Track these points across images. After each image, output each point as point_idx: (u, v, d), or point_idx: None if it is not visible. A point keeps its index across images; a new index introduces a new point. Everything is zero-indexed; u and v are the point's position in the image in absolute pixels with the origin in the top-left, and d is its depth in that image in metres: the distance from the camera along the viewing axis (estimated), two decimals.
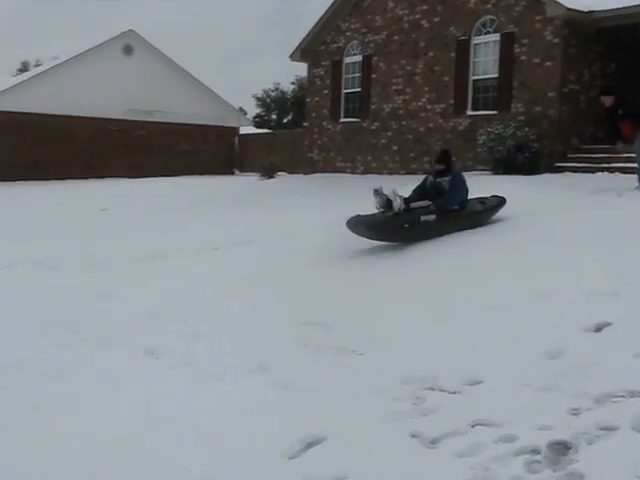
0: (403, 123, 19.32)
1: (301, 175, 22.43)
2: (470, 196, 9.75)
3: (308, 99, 23.19)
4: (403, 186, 9.86)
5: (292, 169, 24.72)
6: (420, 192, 9.51)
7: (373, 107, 20.27)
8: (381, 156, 19.99)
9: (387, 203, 8.93)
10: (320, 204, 13.25)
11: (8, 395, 5.06)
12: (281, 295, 7.57)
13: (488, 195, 10.22)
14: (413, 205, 9.08)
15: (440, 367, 4.97)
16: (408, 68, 19.16)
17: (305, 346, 5.81)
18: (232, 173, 31.79)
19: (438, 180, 9.51)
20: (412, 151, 19.05)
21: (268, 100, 79.99)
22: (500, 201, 10.12)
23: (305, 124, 23.54)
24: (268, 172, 23.42)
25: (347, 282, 7.70)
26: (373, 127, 20.27)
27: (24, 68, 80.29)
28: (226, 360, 5.59)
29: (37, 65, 71.06)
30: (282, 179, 22.51)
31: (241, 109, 47.78)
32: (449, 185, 9.42)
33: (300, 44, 22.34)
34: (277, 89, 79.23)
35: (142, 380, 5.30)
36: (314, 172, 21.94)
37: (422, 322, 6.05)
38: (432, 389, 4.70)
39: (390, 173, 19.11)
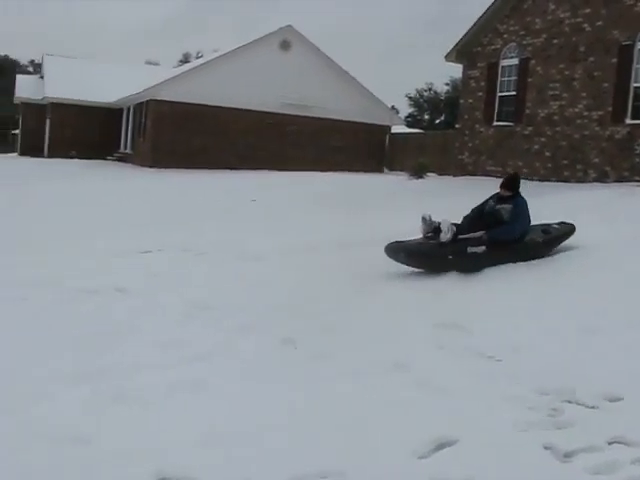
0: (557, 129, 18.84)
1: (450, 177, 22.26)
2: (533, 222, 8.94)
3: (461, 100, 22.97)
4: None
5: (441, 170, 24.57)
6: (477, 215, 8.89)
7: (527, 111, 19.85)
8: (533, 162, 19.58)
9: (435, 230, 8.41)
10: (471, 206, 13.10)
11: (154, 376, 5.26)
12: (421, 294, 7.56)
13: (555, 222, 9.40)
14: (462, 236, 8.41)
15: (579, 380, 4.86)
16: (566, 73, 18.66)
17: (441, 348, 5.80)
18: (381, 171, 31.90)
19: (498, 207, 8.78)
20: (565, 158, 18.56)
21: (421, 100, 79.76)
22: (568, 230, 9.26)
23: (457, 126, 23.32)
24: (417, 172, 23.37)
25: (489, 287, 7.62)
26: (526, 132, 19.87)
27: (185, 60, 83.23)
28: (362, 356, 5.64)
29: (198, 57, 73.59)
30: (431, 180, 22.42)
31: (393, 108, 47.89)
32: (509, 215, 8.65)
33: (456, 45, 22.16)
34: (430, 89, 78.90)
35: (280, 368, 5.42)
36: (463, 175, 21.72)
37: (564, 334, 5.93)
38: (569, 402, 4.61)
39: (541, 179, 18.69)
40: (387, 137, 34.43)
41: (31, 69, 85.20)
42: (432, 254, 8.38)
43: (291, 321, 6.72)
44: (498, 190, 8.96)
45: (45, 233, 12.47)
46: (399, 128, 37.64)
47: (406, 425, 4.33)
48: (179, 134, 30.36)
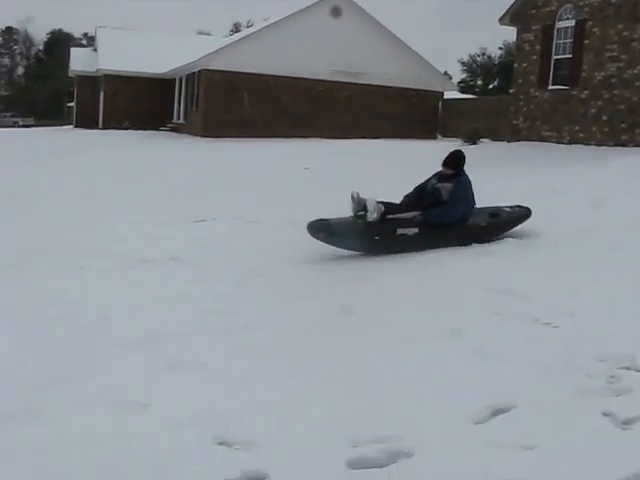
0: (615, 92, 18.39)
1: (504, 143, 21.98)
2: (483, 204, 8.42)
3: (516, 65, 22.57)
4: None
5: (495, 136, 24.24)
6: (418, 194, 8.26)
7: (584, 75, 19.40)
8: (589, 126, 19.18)
9: (363, 209, 7.83)
10: (529, 172, 12.92)
11: (211, 342, 5.32)
12: (476, 260, 7.50)
13: (508, 205, 8.75)
14: (392, 216, 7.83)
15: (638, 348, 4.78)
16: (625, 34, 18.15)
17: (497, 314, 5.75)
18: (434, 137, 31.61)
19: (438, 186, 8.12)
20: (623, 122, 18.12)
21: (474, 65, 78.80)
22: (521, 214, 8.59)
23: (511, 90, 22.96)
24: (471, 138, 23.13)
25: (543, 258, 7.54)
26: (583, 95, 19.45)
27: (236, 29, 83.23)
28: (418, 322, 5.63)
29: (248, 26, 73.56)
30: (485, 145, 22.17)
31: (446, 73, 47.37)
32: (449, 195, 8.01)
33: (510, 7, 21.75)
34: (484, 54, 77.90)
35: (335, 335, 5.43)
36: (518, 140, 21.41)
37: (622, 303, 5.83)
38: (628, 369, 4.53)
39: (597, 144, 18.32)
40: (440, 103, 34.05)
41: (84, 42, 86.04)
42: (355, 234, 7.79)
43: (346, 288, 6.73)
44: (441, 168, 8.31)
45: (101, 202, 12.65)
46: (452, 94, 37.20)
47: (462, 391, 4.31)
48: (231, 103, 30.44)
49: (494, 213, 8.43)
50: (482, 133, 23.78)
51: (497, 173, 13.05)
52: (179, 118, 37.61)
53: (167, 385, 4.55)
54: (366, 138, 27.59)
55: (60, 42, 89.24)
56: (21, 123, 66.70)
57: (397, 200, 8.28)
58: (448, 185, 8.04)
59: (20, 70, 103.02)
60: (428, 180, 8.33)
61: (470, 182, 8.20)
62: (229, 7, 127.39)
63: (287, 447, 3.70)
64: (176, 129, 36.59)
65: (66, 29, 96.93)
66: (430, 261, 7.55)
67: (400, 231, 7.81)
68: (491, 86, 75.11)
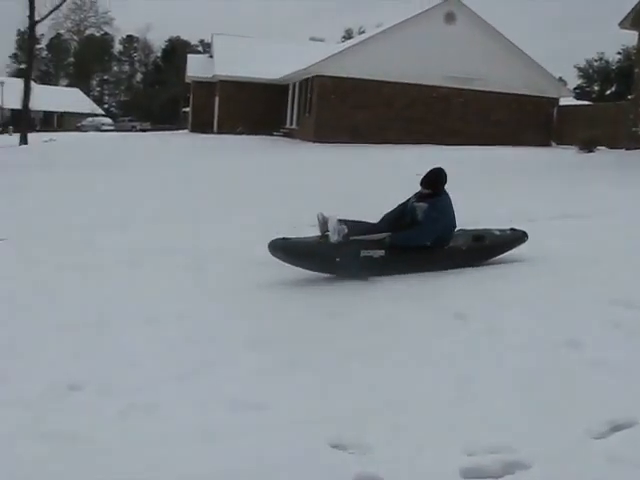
0: None
1: (622, 151, 21.37)
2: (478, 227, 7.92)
3: (636, 69, 21.94)
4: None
5: (613, 144, 23.60)
6: (400, 212, 7.68)
7: None
8: None
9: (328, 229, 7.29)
10: None
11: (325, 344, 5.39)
12: (596, 271, 7.33)
13: (499, 228, 8.11)
14: (357, 237, 7.23)
15: None
16: None
17: (617, 326, 5.59)
18: (549, 145, 31.00)
19: (414, 204, 7.53)
20: None
21: (590, 71, 76.82)
22: (512, 238, 7.92)
23: (630, 96, 22.35)
24: (587, 146, 22.58)
25: None
26: None
27: (348, 35, 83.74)
28: (534, 331, 5.54)
29: (360, 32, 73.85)
30: (602, 154, 21.60)
31: (561, 79, 46.38)
32: (423, 215, 7.38)
33: (631, 11, 21.17)
34: (601, 59, 75.83)
35: (449, 340, 5.40)
36: (637, 148, 20.77)
37: None
38: None
39: None
40: (555, 110, 33.35)
41: (200, 49, 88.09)
42: (314, 255, 7.30)
43: (460, 294, 6.69)
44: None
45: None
46: (567, 100, 36.38)
47: (579, 404, 4.21)
48: (343, 109, 30.62)
49: (478, 236, 7.80)
50: (599, 141, 23.18)
51: (613, 185, 12.75)
52: (291, 123, 38.05)
53: (285, 386, 4.61)
54: (479, 145, 27.28)
55: (177, 49, 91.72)
56: (138, 127, 68.89)
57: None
58: (423, 205, 7.45)
59: (139, 76, 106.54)
60: (409, 198, 7.76)
61: (449, 202, 7.58)
62: (342, 14, 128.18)
63: (402, 452, 3.69)
64: (289, 134, 37.02)
65: (183, 36, 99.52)
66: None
67: (364, 253, 7.20)
68: (608, 92, 73.09)
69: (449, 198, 7.58)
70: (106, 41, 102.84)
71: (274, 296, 6.81)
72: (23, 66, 65.70)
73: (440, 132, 30.54)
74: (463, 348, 5.21)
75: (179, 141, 35.78)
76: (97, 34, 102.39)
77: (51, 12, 45.86)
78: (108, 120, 76.71)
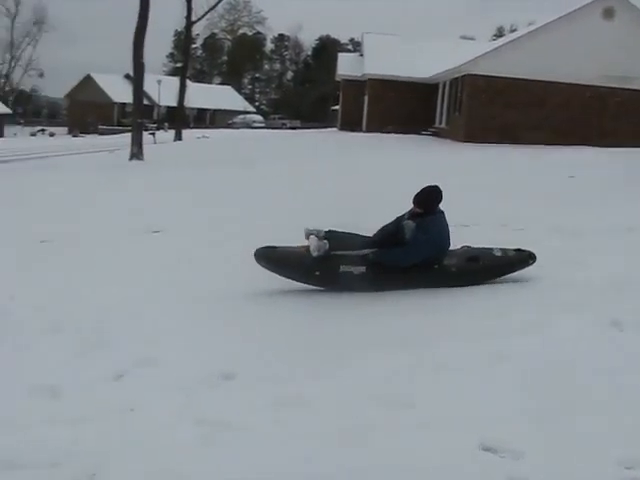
0: None
1: None
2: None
3: None
4: None
5: None
6: (394, 228, 7.31)
7: None
8: None
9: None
10: None
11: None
12: None
13: (500, 247, 7.43)
14: (339, 252, 7.06)
15: None
16: None
17: None
18: None
19: (404, 222, 7.18)
20: None
21: None
22: (513, 260, 7.37)
23: None
24: None
25: None
26: None
27: (499, 34, 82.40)
28: None
29: (512, 30, 72.51)
30: None
31: None
32: (411, 234, 7.03)
33: None
34: None
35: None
36: None
37: None
38: None
39: None
40: None
41: (350, 47, 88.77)
42: (295, 266, 7.22)
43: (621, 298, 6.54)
44: None
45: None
46: None
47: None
48: (494, 108, 30.14)
49: (473, 257, 7.32)
50: None
51: None
52: (440, 123, 37.82)
53: (433, 385, 4.66)
54: (635, 147, 26.23)
55: (327, 47, 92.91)
56: (288, 125, 70.23)
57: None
58: (411, 223, 7.11)
59: (289, 75, 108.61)
60: (403, 214, 7.44)
61: (442, 223, 7.25)
62: (493, 12, 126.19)
63: (555, 459, 3.66)
64: (438, 133, 36.79)
65: (333, 35, 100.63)
66: None
67: (343, 268, 7.07)
68: None
69: (443, 218, 7.28)
70: (258, 40, 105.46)
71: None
72: (179, 65, 68.34)
73: (595, 133, 29.53)
74: None
75: (329, 138, 36.23)
76: (249, 33, 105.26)
77: (207, 12, 47.66)
78: (259, 117, 78.68)
